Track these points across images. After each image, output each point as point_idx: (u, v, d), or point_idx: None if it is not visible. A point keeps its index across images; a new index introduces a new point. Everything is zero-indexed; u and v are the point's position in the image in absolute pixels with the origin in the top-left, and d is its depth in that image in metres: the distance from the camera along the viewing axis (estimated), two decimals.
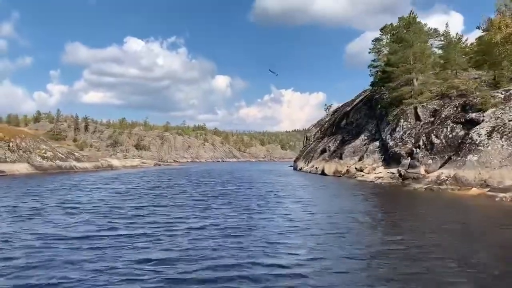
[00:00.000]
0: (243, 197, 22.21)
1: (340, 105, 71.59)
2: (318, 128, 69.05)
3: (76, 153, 54.58)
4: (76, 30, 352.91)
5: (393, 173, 31.76)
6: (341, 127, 53.85)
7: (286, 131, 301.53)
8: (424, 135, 31.77)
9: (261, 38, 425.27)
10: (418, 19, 42.14)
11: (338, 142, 49.80)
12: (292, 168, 66.31)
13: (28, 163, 45.22)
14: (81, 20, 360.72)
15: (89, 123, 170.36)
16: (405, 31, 40.76)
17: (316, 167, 49.00)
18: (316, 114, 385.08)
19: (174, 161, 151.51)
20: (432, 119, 34.77)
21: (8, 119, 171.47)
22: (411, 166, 30.51)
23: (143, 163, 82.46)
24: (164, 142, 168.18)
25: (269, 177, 42.55)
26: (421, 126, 34.95)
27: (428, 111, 36.00)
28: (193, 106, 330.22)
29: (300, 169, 57.13)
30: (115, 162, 67.16)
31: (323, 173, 44.38)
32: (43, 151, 47.70)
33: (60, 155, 50.06)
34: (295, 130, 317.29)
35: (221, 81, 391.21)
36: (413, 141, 34.25)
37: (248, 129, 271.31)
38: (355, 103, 56.40)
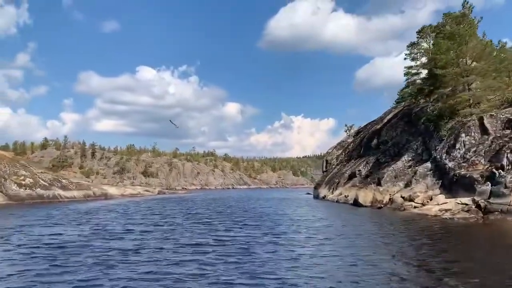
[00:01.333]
0: (257, 259, 11.94)
1: (365, 124, 62.94)
2: (340, 151, 60.21)
3: (63, 180, 46.20)
4: (90, 59, 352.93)
5: (466, 204, 22.67)
6: (371, 148, 45.00)
7: (297, 157, 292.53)
8: (509, 151, 22.82)
9: (271, 64, 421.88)
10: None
11: (370, 164, 40.89)
12: (312, 196, 57.24)
13: (1, 191, 36.95)
14: (95, 49, 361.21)
15: (96, 150, 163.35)
16: (456, 26, 32.37)
17: (345, 196, 39.94)
18: (326, 139, 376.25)
19: (183, 188, 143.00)
20: (509, 131, 25.94)
21: (14, 146, 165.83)
22: (494, 194, 21.46)
23: (146, 191, 73.89)
24: (173, 168, 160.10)
25: (290, 211, 33.56)
26: (493, 140, 26.09)
27: (500, 121, 27.18)
28: (204, 133, 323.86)
29: (324, 198, 48.03)
30: (112, 190, 58.69)
31: (356, 203, 35.28)
32: (21, 178, 39.43)
33: (42, 182, 41.74)
34: (305, 156, 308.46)
35: (232, 108, 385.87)
36: (483, 160, 25.34)
37: (259, 155, 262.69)
38: (386, 119, 47.73)
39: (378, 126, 48.40)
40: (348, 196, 39.28)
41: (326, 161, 63.63)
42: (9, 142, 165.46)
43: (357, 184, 40.50)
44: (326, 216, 26.77)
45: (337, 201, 41.75)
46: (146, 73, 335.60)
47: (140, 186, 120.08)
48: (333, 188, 46.64)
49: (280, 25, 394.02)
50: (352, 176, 43.29)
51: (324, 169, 64.31)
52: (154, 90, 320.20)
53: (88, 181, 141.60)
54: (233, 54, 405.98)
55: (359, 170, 42.01)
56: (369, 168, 40.89)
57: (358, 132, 63.60)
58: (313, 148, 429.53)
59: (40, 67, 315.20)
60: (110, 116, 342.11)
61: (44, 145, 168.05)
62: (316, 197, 52.18)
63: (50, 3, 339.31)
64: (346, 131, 71.83)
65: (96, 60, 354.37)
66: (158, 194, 74.50)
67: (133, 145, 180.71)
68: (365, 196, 34.81)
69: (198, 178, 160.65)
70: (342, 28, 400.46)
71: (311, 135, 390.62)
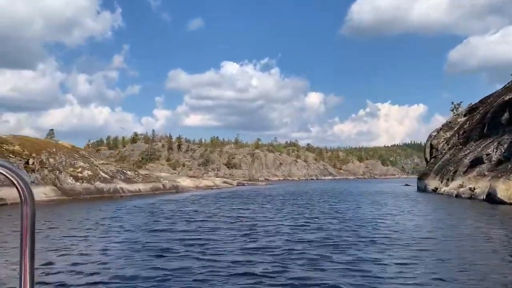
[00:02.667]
0: None
1: (480, 99, 49.99)
2: (449, 133, 48.26)
3: (128, 172, 41.01)
4: (177, 58, 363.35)
5: None
6: (501, 124, 33.30)
7: (385, 146, 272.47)
8: None
9: (355, 51, 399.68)
10: None
11: (505, 146, 29.55)
12: (417, 188, 46.33)
13: (55, 185, 32.27)
14: (182, 47, 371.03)
15: (182, 143, 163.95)
16: None
17: (470, 188, 29.23)
18: (417, 127, 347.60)
19: (265, 179, 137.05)
20: None
21: (108, 140, 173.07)
22: None
23: (224, 182, 67.88)
24: (255, 159, 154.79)
25: (398, 210, 24.02)
26: None
27: None
28: (286, 124, 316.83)
29: (435, 191, 37.28)
30: (186, 182, 53.14)
31: (490, 198, 24.70)
32: (79, 170, 34.61)
33: (103, 174, 36.70)
34: (394, 145, 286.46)
35: (314, 98, 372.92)
36: None
37: (343, 145, 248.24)
38: None
39: (508, 97, 36.15)
40: (475, 188, 28.55)
41: (431, 146, 51.85)
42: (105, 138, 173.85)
43: (486, 173, 29.52)
44: (468, 228, 16.87)
45: (456, 196, 31.07)
46: (230, 68, 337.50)
47: (223, 177, 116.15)
48: (448, 179, 35.71)
49: (363, 9, 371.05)
50: (476, 162, 32.19)
51: (429, 156, 52.63)
52: (238, 84, 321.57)
53: (175, 173, 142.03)
54: (314, 43, 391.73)
55: (488, 154, 30.80)
56: (502, 150, 29.58)
57: (472, 109, 50.86)
58: (402, 136, 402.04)
59: (133, 68, 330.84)
60: (197, 111, 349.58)
61: (134, 139, 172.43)
62: (423, 189, 41.32)
63: (140, 6, 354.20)
64: (452, 110, 58.88)
65: (184, 58, 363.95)
66: (237, 185, 68.16)
67: (217, 137, 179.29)
68: (509, 189, 24.03)
69: (280, 169, 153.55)
70: (431, 6, 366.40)
71: (399, 122, 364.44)
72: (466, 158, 34.51)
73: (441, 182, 37.01)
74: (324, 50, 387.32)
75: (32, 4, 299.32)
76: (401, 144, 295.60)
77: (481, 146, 33.57)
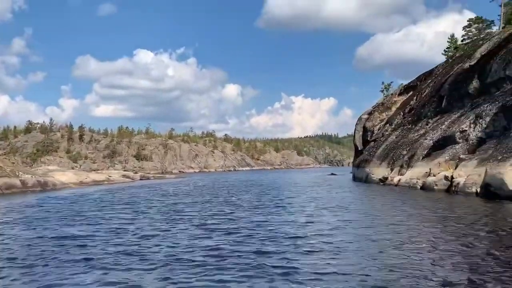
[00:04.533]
0: None
1: (419, 75, 43.30)
2: (388, 113, 40.83)
3: None
4: (86, 44, 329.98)
5: None
6: (468, 95, 25.71)
7: (299, 137, 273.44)
8: None
9: (271, 44, 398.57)
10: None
11: (488, 119, 21.61)
12: (353, 177, 38.17)
13: None
14: (91, 33, 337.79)
15: (85, 133, 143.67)
16: None
17: (447, 177, 20.79)
18: (327, 119, 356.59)
19: (180, 171, 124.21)
20: None
21: None
22: None
23: (124, 176, 54.57)
24: (168, 151, 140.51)
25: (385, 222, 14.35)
26: None
27: None
28: (204, 116, 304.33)
29: (383, 181, 28.86)
30: (64, 177, 39.43)
31: (489, 191, 16.20)
32: None
33: None
34: (307, 136, 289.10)
35: (232, 90, 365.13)
36: None
37: (260, 137, 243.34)
38: (484, 51, 28.24)
39: (468, 64, 28.83)
40: (454, 178, 20.11)
41: (365, 129, 44.13)
42: None
43: (462, 156, 21.34)
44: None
45: (423, 188, 22.59)
46: (144, 56, 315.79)
47: (133, 170, 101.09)
48: (402, 165, 27.39)
49: (279, 3, 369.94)
50: (443, 143, 24.05)
51: (362, 141, 44.95)
52: (153, 73, 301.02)
53: (76, 166, 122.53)
54: (231, 35, 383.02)
55: (463, 132, 22.71)
56: (484, 125, 21.62)
57: (409, 87, 44.03)
58: (314, 128, 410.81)
59: (36, 53, 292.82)
60: (109, 101, 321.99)
61: (28, 129, 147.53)
62: (365, 179, 32.90)
63: None
64: (382, 91, 52.29)
65: (93, 44, 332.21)
66: (140, 179, 55.26)
67: (126, 127, 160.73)
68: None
69: (196, 160, 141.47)
70: (343, 4, 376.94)
71: (311, 115, 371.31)
72: (425, 139, 26.40)
73: (391, 170, 28.70)
74: (242, 42, 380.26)
75: None
76: (313, 135, 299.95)
77: (446, 123, 25.62)
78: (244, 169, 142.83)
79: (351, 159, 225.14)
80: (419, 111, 31.48)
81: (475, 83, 25.18)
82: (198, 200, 20.20)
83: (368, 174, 32.25)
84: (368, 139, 41.23)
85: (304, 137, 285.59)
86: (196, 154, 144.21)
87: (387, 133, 35.04)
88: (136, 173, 65.08)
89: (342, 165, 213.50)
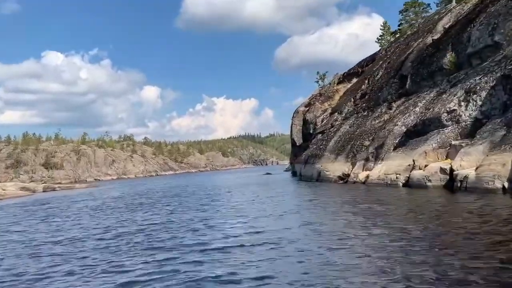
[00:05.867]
0: None
1: (360, 61, 39.25)
2: (331, 103, 36.02)
3: None
4: None
5: None
6: (440, 71, 21.30)
7: (222, 139, 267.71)
8: None
9: (191, 45, 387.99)
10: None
11: (484, 94, 17.03)
12: (299, 176, 32.50)
13: None
14: None
15: None
16: None
17: (444, 170, 15.80)
18: (249, 120, 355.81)
19: (95, 179, 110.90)
20: None
21: None
22: None
23: (23, 188, 43.53)
24: (81, 157, 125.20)
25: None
26: None
27: None
28: (122, 120, 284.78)
29: (343, 178, 23.53)
30: None
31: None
32: None
33: None
34: (231, 137, 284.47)
35: (151, 92, 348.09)
36: None
37: (183, 139, 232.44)
38: (444, 24, 24.26)
39: (431, 38, 24.64)
40: (457, 170, 15.12)
41: (305, 121, 39.01)
42: None
43: (456, 142, 16.57)
44: None
45: (407, 185, 17.51)
46: (53, 58, 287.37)
47: (41, 180, 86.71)
48: (367, 159, 22.21)
49: (197, 2, 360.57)
50: (423, 128, 19.20)
51: (301, 136, 39.85)
52: (64, 76, 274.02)
53: None
54: (149, 35, 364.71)
55: (451, 112, 17.95)
56: (478, 103, 17.00)
57: (349, 74, 39.85)
58: (237, 129, 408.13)
59: None
60: (16, 106, 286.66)
61: None
62: (316, 178, 27.30)
63: None
64: (317, 81, 47.89)
65: None
66: (43, 191, 44.50)
67: (34, 133, 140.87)
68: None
69: (113, 166, 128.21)
70: (260, 5, 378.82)
71: (234, 116, 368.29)
72: (395, 125, 21.46)
73: (353, 165, 23.43)
74: (159, 42, 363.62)
75: None
76: (236, 136, 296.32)
77: (420, 105, 20.88)
78: (167, 173, 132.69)
79: (275, 158, 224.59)
80: (375, 95, 26.79)
81: (449, 57, 20.84)
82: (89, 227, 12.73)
83: (320, 171, 26.75)
84: (311, 132, 36.08)
85: (228, 138, 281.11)
86: (113, 159, 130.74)
87: (337, 123, 30.00)
88: (45, 183, 53.63)
89: (266, 164, 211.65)
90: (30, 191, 43.52)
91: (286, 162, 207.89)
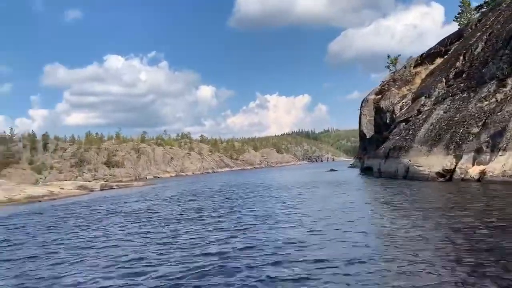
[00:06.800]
0: None
1: (449, 35, 33.58)
2: (411, 87, 30.85)
3: None
4: (54, 51, 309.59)
5: None
6: None
7: (276, 135, 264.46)
8: None
9: (243, 43, 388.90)
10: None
11: None
12: (378, 172, 27.74)
13: None
14: (58, 40, 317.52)
15: (49, 141, 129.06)
16: None
17: None
18: (302, 116, 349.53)
19: (155, 177, 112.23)
20: None
21: None
22: None
23: (80, 187, 42.72)
24: (141, 155, 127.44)
25: None
26: None
27: None
28: (180, 119, 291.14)
29: (444, 175, 18.67)
30: None
31: None
32: None
33: None
34: (284, 134, 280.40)
35: (206, 92, 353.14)
36: None
37: (237, 137, 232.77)
38: None
39: None
40: None
41: (380, 109, 33.96)
42: None
43: None
44: None
45: None
46: (115, 61, 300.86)
47: (103, 178, 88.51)
48: (480, 150, 17.20)
49: (250, 0, 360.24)
50: None
51: (374, 127, 34.87)
52: (125, 79, 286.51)
53: (41, 178, 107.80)
54: (203, 36, 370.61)
55: None
56: None
57: (430, 55, 34.20)
58: (290, 125, 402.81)
59: (1, 63, 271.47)
60: (80, 108, 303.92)
61: None
62: (404, 175, 22.49)
63: None
64: (388, 66, 42.49)
65: (61, 51, 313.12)
66: (101, 190, 43.37)
67: (96, 133, 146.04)
68: None
69: (172, 164, 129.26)
70: (313, 0, 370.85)
71: (287, 112, 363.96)
72: None
73: (457, 158, 18.52)
74: (213, 42, 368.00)
75: None
76: (290, 132, 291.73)
77: None
78: (223, 170, 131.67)
79: (330, 154, 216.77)
80: (478, 72, 21.47)
81: None
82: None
83: (409, 167, 21.94)
84: (387, 121, 31.08)
85: (281, 134, 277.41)
86: (171, 157, 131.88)
87: (425, 108, 24.89)
88: (107, 181, 53.04)
89: (322, 161, 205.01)
90: (87, 190, 42.46)
91: (343, 159, 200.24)
